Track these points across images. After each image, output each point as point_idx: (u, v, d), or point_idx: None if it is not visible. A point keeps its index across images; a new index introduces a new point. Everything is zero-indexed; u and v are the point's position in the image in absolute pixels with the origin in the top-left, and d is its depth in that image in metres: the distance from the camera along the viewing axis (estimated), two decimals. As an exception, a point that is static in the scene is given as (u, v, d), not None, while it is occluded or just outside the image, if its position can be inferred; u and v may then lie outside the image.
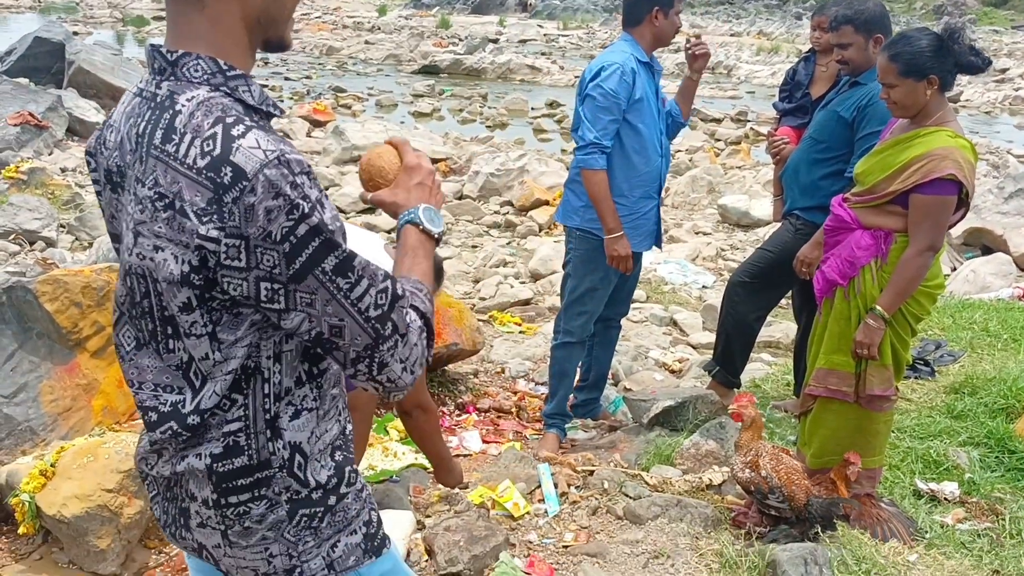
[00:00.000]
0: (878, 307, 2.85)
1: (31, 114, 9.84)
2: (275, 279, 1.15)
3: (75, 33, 17.35)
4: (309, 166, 1.18)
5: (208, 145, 1.12)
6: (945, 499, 3.26)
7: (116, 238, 1.33)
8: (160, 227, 1.16)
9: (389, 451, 3.60)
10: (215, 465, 1.28)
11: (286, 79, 19.42)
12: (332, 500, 1.34)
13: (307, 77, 20.02)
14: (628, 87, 3.46)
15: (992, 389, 4.01)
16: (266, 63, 21.88)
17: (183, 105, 1.16)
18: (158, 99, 1.20)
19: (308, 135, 12.39)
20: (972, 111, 19.08)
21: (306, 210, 1.13)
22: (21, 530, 2.87)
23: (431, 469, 3.54)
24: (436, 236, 1.42)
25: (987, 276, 6.70)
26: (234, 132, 1.13)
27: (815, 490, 2.96)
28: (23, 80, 11.85)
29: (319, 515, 1.33)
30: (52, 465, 2.89)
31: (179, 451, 1.30)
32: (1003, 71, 24.47)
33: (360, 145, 10.58)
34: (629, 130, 3.53)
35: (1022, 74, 23.92)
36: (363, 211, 8.81)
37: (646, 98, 3.54)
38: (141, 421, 1.38)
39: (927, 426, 3.80)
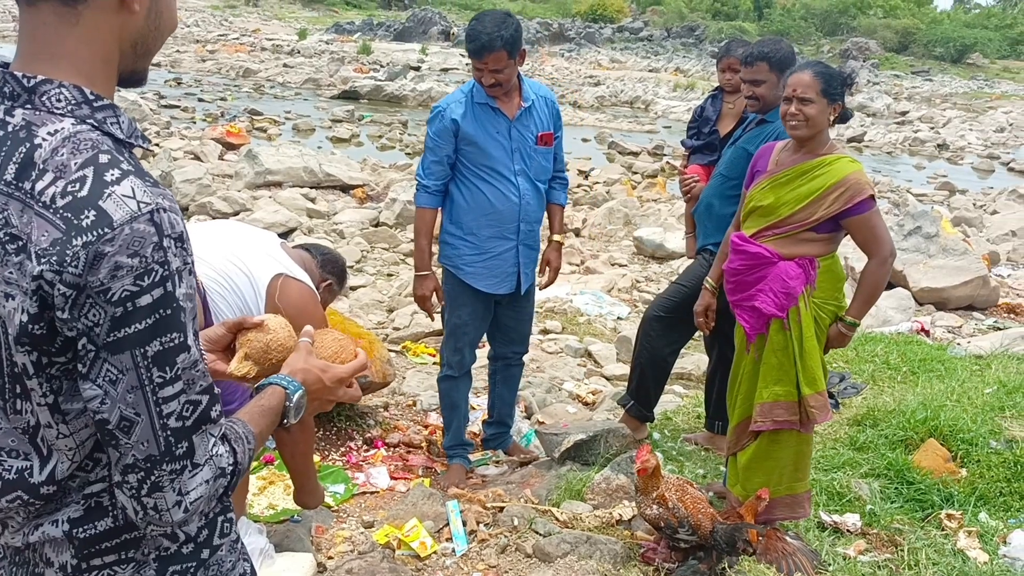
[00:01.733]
0: (849, 317, 3.05)
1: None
2: (92, 339, 1.03)
3: (-25, 46, 16.63)
4: (183, 228, 1.07)
5: (74, 187, 1.01)
6: (848, 531, 3.30)
7: None
8: (11, 272, 1.04)
9: (291, 489, 3.45)
10: (75, 531, 1.15)
11: (200, 100, 18.97)
12: (205, 553, 1.25)
13: (222, 99, 19.59)
14: (447, 131, 3.49)
15: (892, 421, 4.11)
16: (179, 83, 21.38)
17: (44, 139, 1.04)
18: (10, 128, 1.07)
19: (220, 158, 12.08)
20: (875, 151, 19.98)
21: (157, 279, 1.03)
22: None
23: (336, 507, 3.42)
24: (284, 421, 1.31)
25: (888, 310, 6.93)
26: (107, 177, 1.02)
27: (720, 519, 2.97)
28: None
29: (191, 570, 1.23)
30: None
31: (31, 519, 1.17)
32: (903, 114, 25.79)
33: (274, 169, 10.36)
34: (466, 170, 3.56)
35: (921, 117, 25.22)
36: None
37: (480, 140, 3.50)
38: None
39: (831, 458, 3.86)
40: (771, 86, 3.55)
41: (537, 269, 3.90)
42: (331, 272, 3.06)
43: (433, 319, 3.87)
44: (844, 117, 3.02)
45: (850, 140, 20.36)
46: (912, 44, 42.40)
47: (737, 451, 3.24)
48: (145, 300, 1.02)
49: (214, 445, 1.13)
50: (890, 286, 7.79)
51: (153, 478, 1.07)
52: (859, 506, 3.46)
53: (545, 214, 3.85)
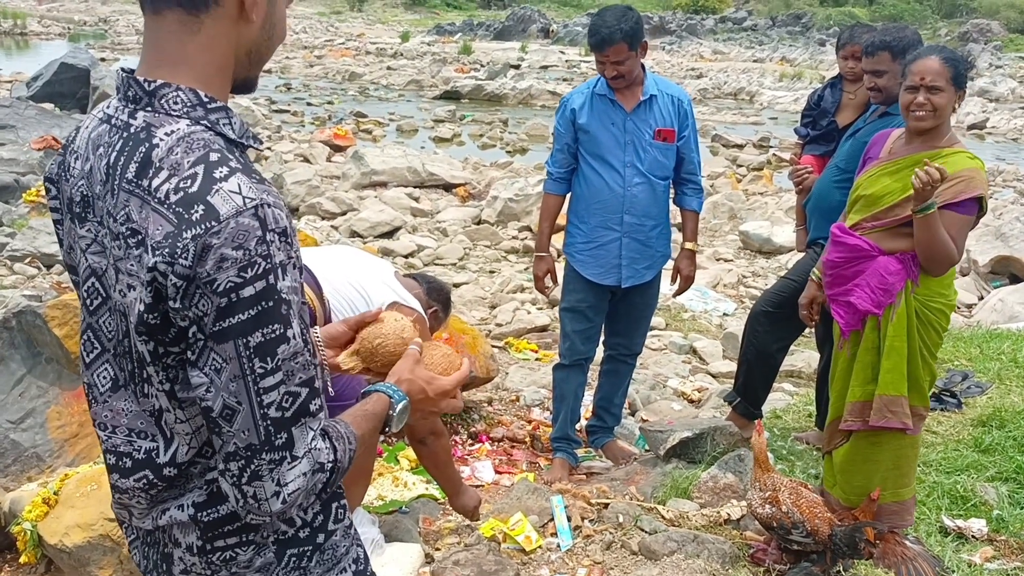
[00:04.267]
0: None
1: (55, 139, 9.98)
2: (201, 328, 1.07)
3: (102, 59, 17.65)
4: (287, 223, 1.11)
5: (186, 183, 1.06)
6: (973, 536, 3.14)
7: (73, 270, 1.28)
8: (132, 265, 1.10)
9: (399, 481, 3.53)
10: (199, 514, 1.22)
11: (308, 104, 19.59)
12: (320, 538, 1.29)
13: (329, 102, 20.19)
14: (567, 120, 3.67)
15: (1021, 422, 3.88)
16: (288, 88, 22.13)
17: (161, 139, 1.10)
18: (132, 130, 1.13)
19: (328, 160, 12.45)
20: (999, 138, 18.90)
21: (260, 272, 1.06)
22: (23, 559, 2.83)
23: (442, 500, 3.48)
24: (388, 428, 1.34)
25: (1015, 305, 6.55)
26: (216, 174, 1.07)
27: (837, 522, 2.86)
28: (48, 105, 12.06)
29: (308, 554, 1.28)
30: (55, 493, 2.85)
31: (155, 504, 1.24)
32: (1029, 97, 24.26)
33: (379, 170, 10.60)
34: (582, 159, 3.68)
35: (1048, 100, 23.68)
36: (381, 235, 8.80)
37: (594, 129, 3.60)
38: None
39: (954, 460, 3.67)
40: (893, 77, 3.37)
41: (670, 278, 3.91)
42: (437, 300, 3.18)
43: (548, 297, 3.94)
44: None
45: (971, 127, 19.31)
46: (1039, 23, 39.82)
47: (831, 450, 3.11)
48: (248, 292, 1.06)
49: (313, 439, 1.15)
50: (1016, 280, 7.37)
51: (253, 467, 1.11)
52: (985, 511, 3.28)
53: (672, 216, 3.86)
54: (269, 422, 1.10)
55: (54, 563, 2.87)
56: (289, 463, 1.12)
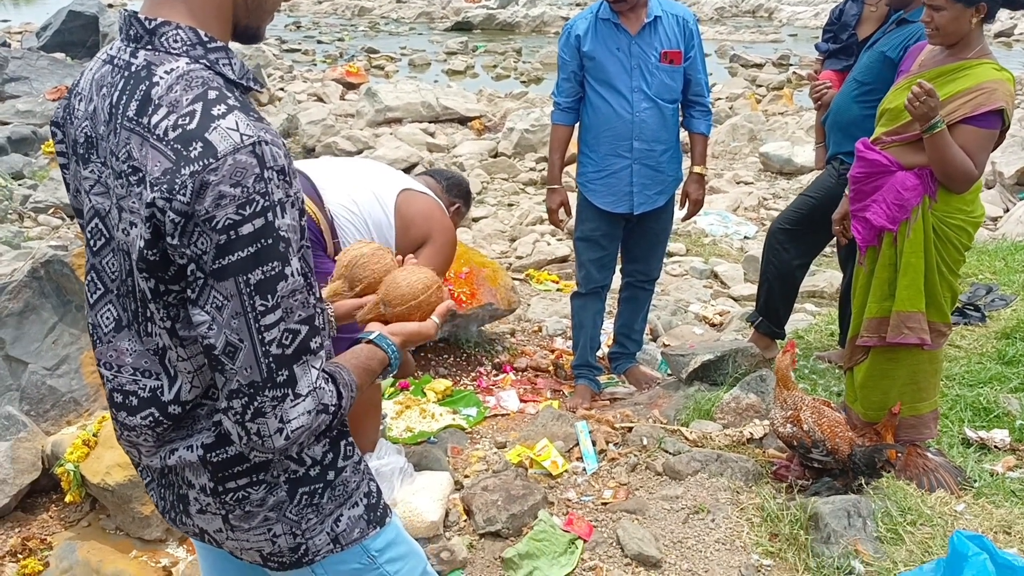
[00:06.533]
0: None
1: (68, 88, 9.96)
2: (200, 266, 1.08)
3: (109, 6, 17.47)
4: (286, 161, 1.11)
5: (185, 120, 1.07)
6: (995, 447, 3.17)
7: (79, 213, 1.30)
8: (133, 202, 1.12)
9: (427, 413, 3.60)
10: (208, 455, 1.25)
11: (319, 42, 19.37)
12: (331, 475, 1.33)
13: (339, 39, 19.95)
14: (572, 47, 3.59)
15: (1046, 334, 3.87)
16: (298, 27, 21.85)
17: (161, 77, 1.11)
18: (133, 68, 1.14)
19: (342, 98, 12.35)
20: (1026, 45, 18.35)
21: (259, 209, 1.07)
22: (68, 498, 2.94)
23: (470, 429, 3.55)
24: (387, 369, 1.40)
25: (1041, 216, 6.45)
26: (214, 111, 1.08)
27: (859, 441, 2.90)
28: (59, 55, 12.00)
29: (319, 491, 1.32)
30: (95, 435, 2.94)
31: (163, 443, 1.27)
32: (1059, 1, 23.39)
33: (393, 106, 10.51)
34: (589, 87, 3.62)
35: (1080, 3, 22.82)
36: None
37: (600, 57, 3.52)
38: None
39: (977, 373, 3.68)
40: None
41: (677, 202, 3.85)
42: (457, 195, 3.14)
43: (562, 229, 3.99)
44: (1016, 3, 2.72)
45: (998, 35, 18.74)
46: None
47: (852, 366, 3.13)
48: (247, 229, 1.07)
49: (318, 378, 1.17)
50: (1044, 190, 7.24)
51: (256, 404, 1.12)
52: (1008, 422, 3.31)
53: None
54: (271, 359, 1.12)
55: (98, 501, 2.99)
56: (292, 400, 1.14)
